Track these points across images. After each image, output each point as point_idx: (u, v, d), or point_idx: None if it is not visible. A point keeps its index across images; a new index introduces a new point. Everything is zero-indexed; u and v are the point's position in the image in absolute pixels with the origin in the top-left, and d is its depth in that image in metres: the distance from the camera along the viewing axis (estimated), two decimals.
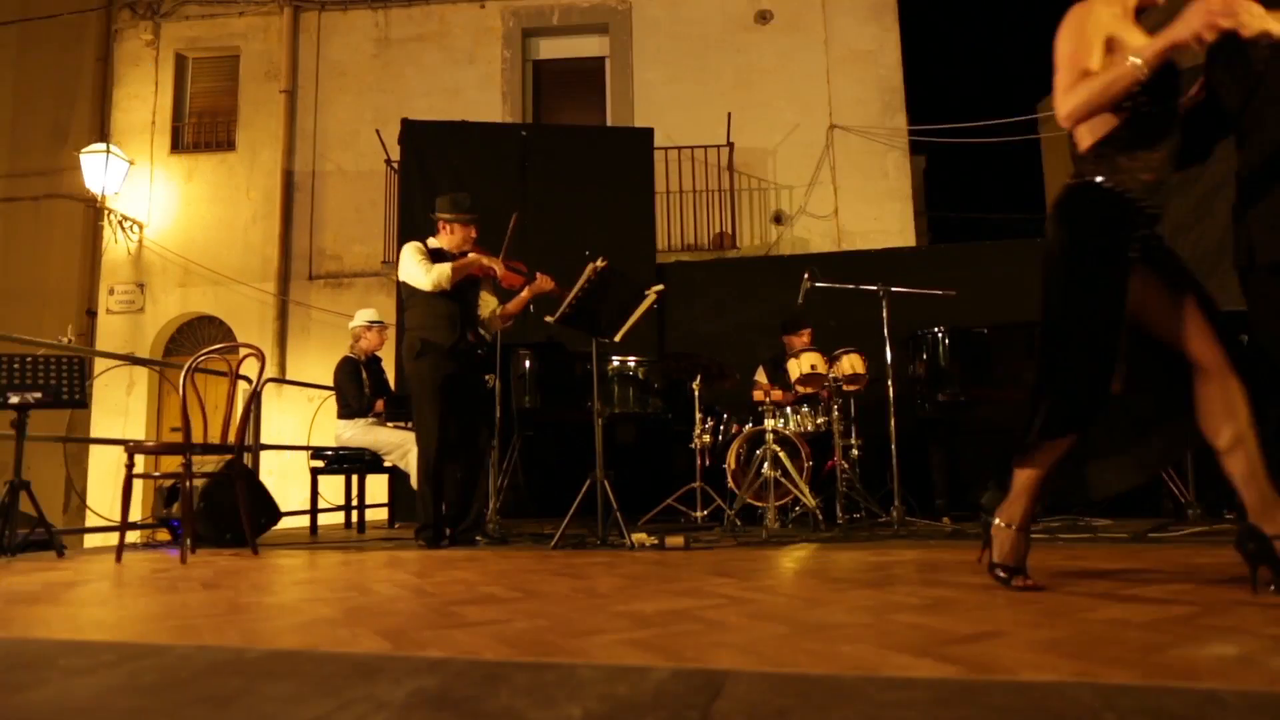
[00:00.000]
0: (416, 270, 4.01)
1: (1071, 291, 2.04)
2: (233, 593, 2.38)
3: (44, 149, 9.97)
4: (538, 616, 1.81)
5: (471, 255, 4.12)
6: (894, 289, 4.57)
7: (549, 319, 3.90)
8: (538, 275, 4.27)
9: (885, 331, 4.48)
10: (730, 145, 8.88)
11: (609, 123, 9.43)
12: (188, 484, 3.62)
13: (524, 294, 4.31)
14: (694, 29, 9.43)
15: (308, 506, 5.41)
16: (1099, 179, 2.02)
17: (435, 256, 4.09)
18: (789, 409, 4.97)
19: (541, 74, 9.92)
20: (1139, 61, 1.91)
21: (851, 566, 2.73)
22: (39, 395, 3.70)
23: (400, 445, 5.23)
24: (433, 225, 4.28)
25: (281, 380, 8.37)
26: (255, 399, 4.51)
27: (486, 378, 4.32)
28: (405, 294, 4.16)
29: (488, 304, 4.35)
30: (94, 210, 9.68)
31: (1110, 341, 1.97)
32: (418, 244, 4.13)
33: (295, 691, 1.19)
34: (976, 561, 2.28)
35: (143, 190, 9.74)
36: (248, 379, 4.18)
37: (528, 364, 4.83)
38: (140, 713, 1.11)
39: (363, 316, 5.68)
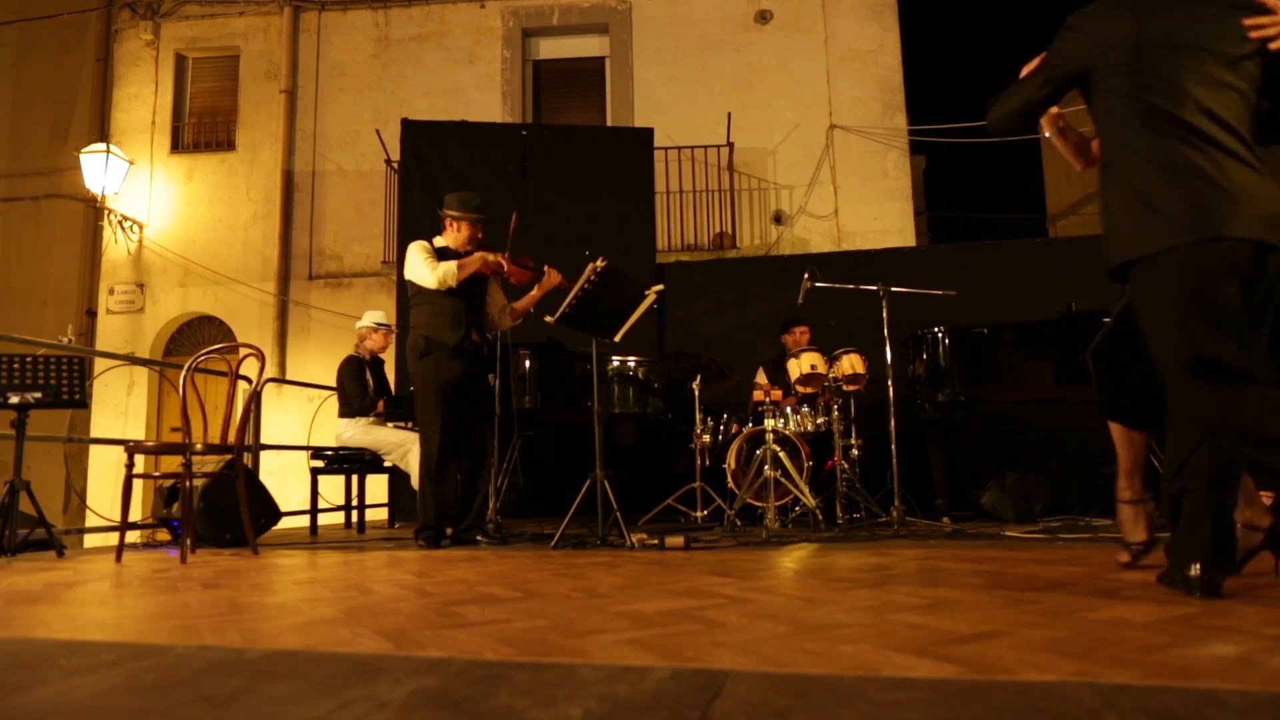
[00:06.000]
0: (423, 268, 3.99)
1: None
2: (233, 593, 2.38)
3: (44, 149, 9.97)
4: (538, 616, 1.81)
5: (478, 253, 4.10)
6: (894, 289, 4.57)
7: (549, 319, 3.89)
8: (546, 270, 4.22)
9: (885, 331, 4.48)
10: (730, 145, 8.88)
11: (609, 123, 9.43)
12: (188, 484, 3.62)
13: (535, 292, 4.27)
14: (694, 29, 9.43)
15: (308, 506, 5.41)
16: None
17: (441, 255, 4.08)
18: (789, 409, 4.96)
19: (541, 74, 9.91)
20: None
21: (851, 566, 2.73)
22: (39, 395, 3.70)
23: (400, 445, 5.24)
24: (434, 225, 4.26)
25: (281, 380, 8.37)
26: (255, 399, 4.51)
27: (489, 377, 4.30)
28: (411, 292, 4.13)
29: (497, 301, 4.30)
30: (94, 210, 9.68)
31: None
32: (424, 242, 4.11)
33: (295, 691, 1.19)
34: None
35: (143, 190, 9.74)
36: (248, 379, 4.18)
37: (528, 364, 4.83)
38: (140, 713, 1.11)
39: (370, 318, 5.69)
